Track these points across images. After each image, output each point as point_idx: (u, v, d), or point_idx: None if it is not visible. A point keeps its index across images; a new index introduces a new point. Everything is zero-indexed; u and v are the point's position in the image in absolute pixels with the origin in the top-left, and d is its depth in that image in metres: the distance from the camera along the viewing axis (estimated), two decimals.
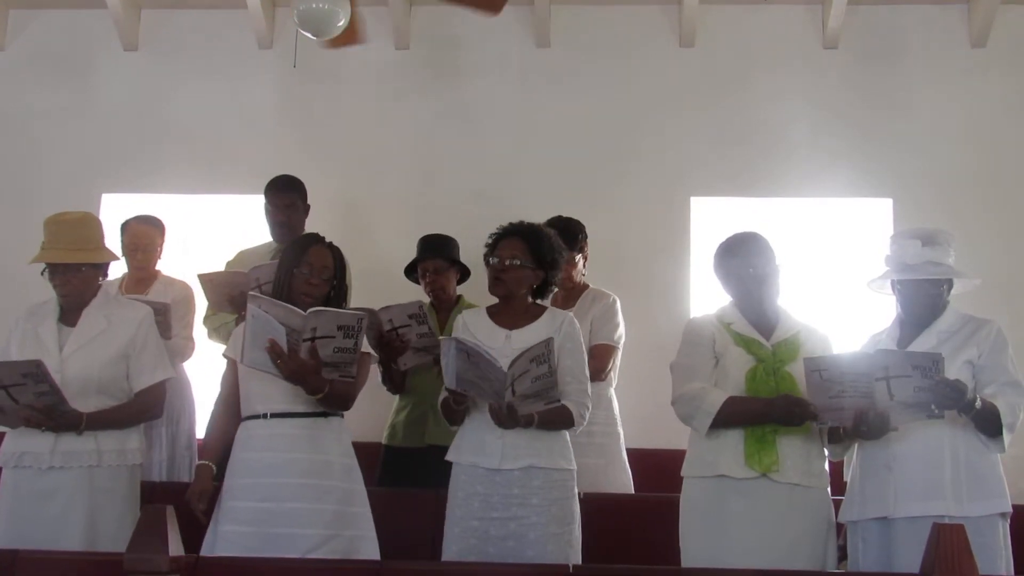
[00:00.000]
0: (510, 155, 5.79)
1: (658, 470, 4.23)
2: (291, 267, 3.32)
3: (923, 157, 5.62)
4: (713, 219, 5.53)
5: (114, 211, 5.33)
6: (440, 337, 3.40)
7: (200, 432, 4.31)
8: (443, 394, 3.29)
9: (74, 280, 3.43)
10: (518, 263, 3.38)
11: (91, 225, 3.52)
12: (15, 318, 3.54)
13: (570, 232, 4.25)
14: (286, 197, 4.38)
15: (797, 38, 5.83)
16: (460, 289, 4.49)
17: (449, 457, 3.37)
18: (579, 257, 4.47)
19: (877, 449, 3.17)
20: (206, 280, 4.07)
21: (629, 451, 4.46)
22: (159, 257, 4.70)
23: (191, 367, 4.64)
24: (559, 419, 3.28)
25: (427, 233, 4.51)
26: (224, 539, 3.13)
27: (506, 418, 3.11)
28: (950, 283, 3.33)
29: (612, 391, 4.42)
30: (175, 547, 2.56)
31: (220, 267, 4.41)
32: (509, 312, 3.43)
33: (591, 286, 4.53)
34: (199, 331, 4.54)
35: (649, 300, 5.35)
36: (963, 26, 5.75)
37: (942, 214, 4.97)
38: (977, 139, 5.64)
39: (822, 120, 5.69)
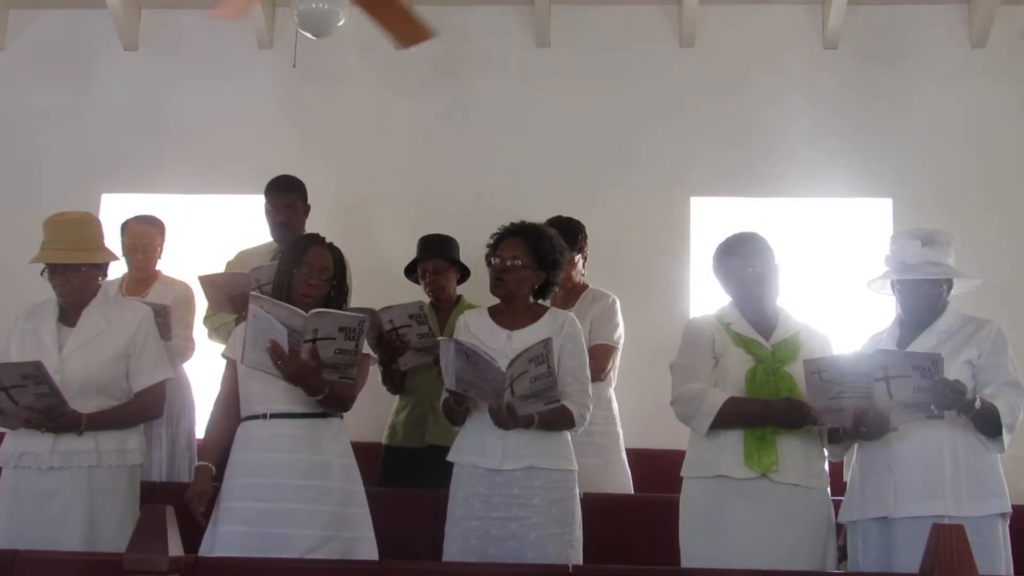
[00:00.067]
0: (510, 155, 5.79)
1: (658, 470, 4.23)
2: (291, 267, 3.32)
3: (923, 157, 5.62)
4: (713, 219, 5.53)
5: (114, 211, 5.33)
6: (439, 338, 3.39)
7: (200, 432, 4.31)
8: (444, 394, 3.29)
9: (74, 280, 3.43)
10: (519, 263, 3.38)
11: (91, 225, 3.52)
12: (15, 318, 3.54)
13: (570, 232, 4.24)
14: (286, 197, 4.38)
15: (797, 38, 5.83)
16: (460, 289, 4.49)
17: (450, 458, 3.37)
18: (579, 257, 4.47)
19: (877, 449, 3.17)
20: (206, 282, 4.07)
21: (629, 451, 4.46)
22: (159, 257, 4.70)
23: (191, 367, 4.64)
24: (559, 420, 3.28)
25: (427, 233, 4.51)
26: (223, 539, 3.13)
27: (505, 418, 3.11)
28: (950, 283, 3.33)
29: (612, 391, 4.42)
30: (175, 547, 2.56)
31: (220, 267, 4.41)
32: (510, 312, 3.43)
33: (591, 286, 4.53)
34: (199, 331, 4.54)
35: (649, 300, 5.35)
36: (963, 26, 5.74)
37: (942, 214, 4.97)
38: (977, 139, 5.64)
39: (822, 120, 5.69)
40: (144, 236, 4.62)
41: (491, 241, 3.47)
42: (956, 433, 3.14)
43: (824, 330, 3.37)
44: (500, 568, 3.11)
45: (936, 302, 3.30)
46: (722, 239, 3.40)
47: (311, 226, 4.27)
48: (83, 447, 3.35)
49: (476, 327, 3.41)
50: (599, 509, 3.65)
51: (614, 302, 4.44)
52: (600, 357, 4.24)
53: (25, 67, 6.08)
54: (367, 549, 3.23)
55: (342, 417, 3.34)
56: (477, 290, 4.14)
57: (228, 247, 4.72)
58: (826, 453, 3.28)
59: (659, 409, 3.64)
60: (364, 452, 3.54)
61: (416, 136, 5.87)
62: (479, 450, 3.28)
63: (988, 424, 3.10)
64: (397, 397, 4.35)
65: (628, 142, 5.76)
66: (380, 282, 4.86)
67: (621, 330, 4.42)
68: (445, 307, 4.37)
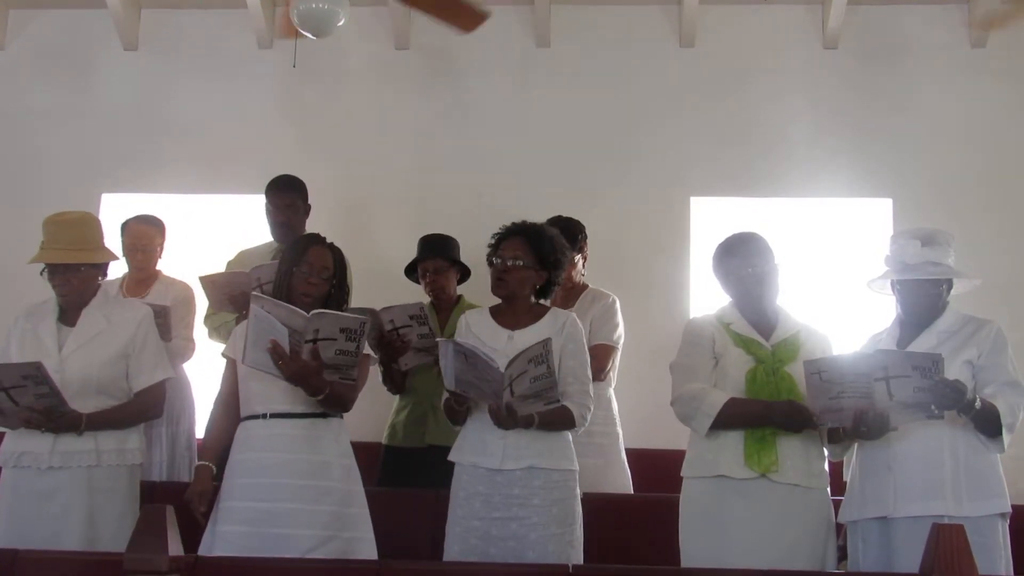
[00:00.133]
0: (510, 155, 5.79)
1: (657, 470, 4.23)
2: (291, 266, 3.32)
3: (923, 157, 5.62)
4: (713, 219, 5.53)
5: (114, 211, 5.33)
6: (437, 339, 3.39)
7: (200, 432, 4.31)
8: (445, 395, 3.29)
9: (73, 280, 3.43)
10: (521, 263, 3.38)
11: (90, 225, 3.52)
12: (15, 318, 3.54)
13: (570, 232, 4.24)
14: (287, 197, 4.37)
15: (797, 38, 5.83)
16: (460, 289, 4.49)
17: (451, 457, 3.37)
18: (578, 257, 4.47)
19: (877, 449, 3.17)
20: (207, 281, 4.07)
21: (629, 451, 4.46)
22: (159, 257, 4.70)
23: (191, 367, 4.64)
24: (560, 420, 3.28)
25: (427, 233, 4.51)
26: (222, 539, 3.13)
27: (505, 419, 3.11)
28: (950, 283, 3.33)
29: (611, 391, 4.42)
30: (175, 547, 2.56)
31: (221, 267, 4.41)
32: (512, 312, 3.43)
33: (590, 286, 4.53)
34: (199, 331, 4.54)
35: (649, 300, 5.35)
36: (963, 26, 5.74)
37: (942, 214, 4.97)
38: (977, 139, 5.64)
39: (822, 120, 5.69)
40: (144, 236, 4.62)
41: (492, 241, 3.47)
42: (956, 433, 3.14)
43: (824, 330, 3.37)
44: (500, 568, 3.11)
45: (936, 302, 3.30)
46: (722, 239, 3.40)
47: (311, 226, 4.27)
48: (83, 447, 3.35)
49: (477, 327, 3.42)
50: (599, 509, 3.65)
51: (614, 302, 4.44)
52: (600, 357, 4.23)
53: (25, 67, 6.09)
54: (367, 549, 3.23)
55: (342, 417, 3.34)
56: (478, 290, 4.14)
57: (228, 247, 4.72)
58: (826, 453, 3.28)
59: (659, 409, 3.64)
60: (364, 452, 3.54)
61: (416, 136, 5.88)
62: (480, 450, 3.28)
63: (988, 424, 3.09)
64: (397, 397, 4.35)
65: (628, 142, 5.76)
66: (380, 282, 4.86)
67: (621, 330, 4.42)
68: (445, 307, 4.37)
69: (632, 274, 5.39)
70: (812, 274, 5.29)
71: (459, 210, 5.41)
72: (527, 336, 3.30)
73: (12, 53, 6.13)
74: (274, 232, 4.40)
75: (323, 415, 3.26)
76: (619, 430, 4.43)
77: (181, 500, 3.08)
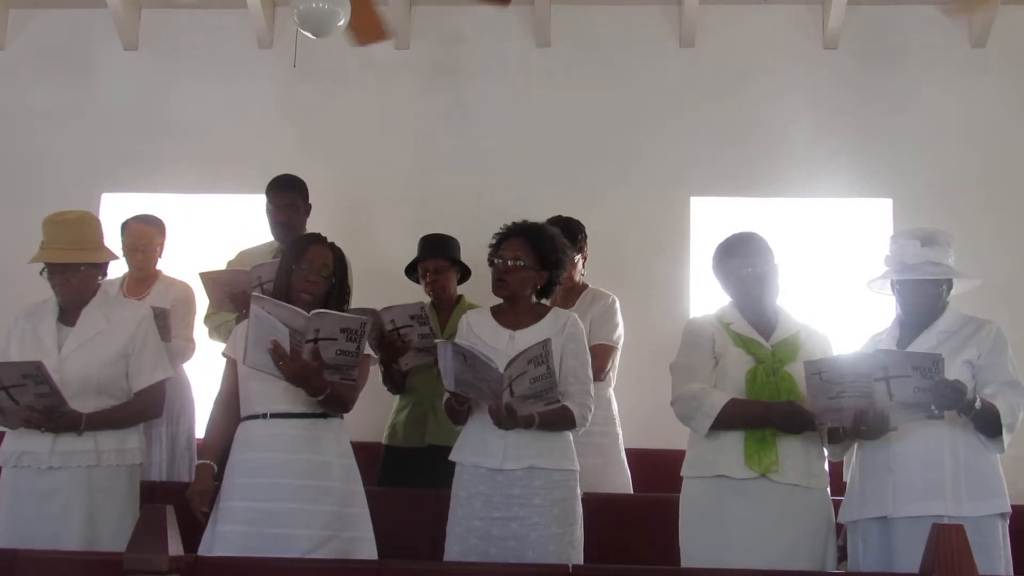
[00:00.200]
0: (510, 155, 5.79)
1: (657, 470, 4.23)
2: (291, 265, 3.32)
3: (923, 157, 5.62)
4: (713, 219, 5.53)
5: (114, 211, 5.33)
6: (436, 341, 3.39)
7: (200, 432, 4.31)
8: (446, 395, 3.29)
9: (73, 280, 3.43)
10: (521, 264, 3.38)
11: (90, 224, 3.51)
12: (14, 318, 3.54)
13: (570, 232, 4.24)
14: (287, 196, 4.38)
15: (797, 38, 5.83)
16: (461, 289, 4.49)
17: (452, 457, 3.37)
18: (578, 257, 4.47)
19: (877, 449, 3.17)
20: (208, 278, 4.07)
21: (628, 451, 4.46)
22: (159, 257, 4.70)
23: (191, 367, 4.64)
24: (560, 420, 3.28)
25: (427, 233, 4.51)
26: (222, 539, 3.13)
27: (505, 419, 3.11)
28: (949, 283, 3.33)
29: (611, 391, 4.42)
30: (175, 547, 2.56)
31: (221, 267, 4.40)
32: (513, 312, 3.43)
33: (590, 286, 4.53)
34: (199, 331, 4.54)
35: (649, 300, 5.35)
36: (963, 26, 5.74)
37: (942, 214, 4.97)
38: (977, 139, 5.64)
39: (822, 120, 5.69)
40: (144, 236, 4.62)
41: (493, 241, 3.47)
42: (956, 433, 3.14)
43: (824, 330, 3.37)
44: (500, 568, 3.11)
45: (936, 302, 3.30)
46: (722, 239, 3.40)
47: (312, 226, 4.27)
48: (82, 447, 3.35)
49: (479, 327, 3.42)
50: (599, 509, 3.65)
51: (614, 302, 4.44)
52: (599, 357, 4.23)
53: (25, 67, 6.08)
54: (367, 549, 3.23)
55: (342, 417, 3.34)
56: (478, 290, 4.14)
57: (228, 247, 4.72)
58: (826, 453, 3.28)
59: (659, 409, 3.64)
60: (364, 452, 3.54)
61: (416, 136, 5.87)
62: (480, 450, 3.28)
63: (988, 424, 3.10)
64: (397, 397, 4.35)
65: (628, 142, 5.76)
66: (380, 282, 4.86)
67: (621, 330, 4.42)
68: (446, 307, 4.37)
69: (632, 274, 5.39)
70: (812, 274, 5.29)
71: (459, 210, 5.41)
72: (528, 336, 3.30)
73: (12, 53, 6.13)
74: (274, 231, 4.40)
75: (323, 415, 3.26)
76: (619, 430, 4.42)
77: (181, 500, 3.08)
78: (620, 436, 4.43)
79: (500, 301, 3.47)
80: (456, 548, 3.26)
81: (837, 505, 3.29)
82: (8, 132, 5.99)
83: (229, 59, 5.99)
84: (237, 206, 5.66)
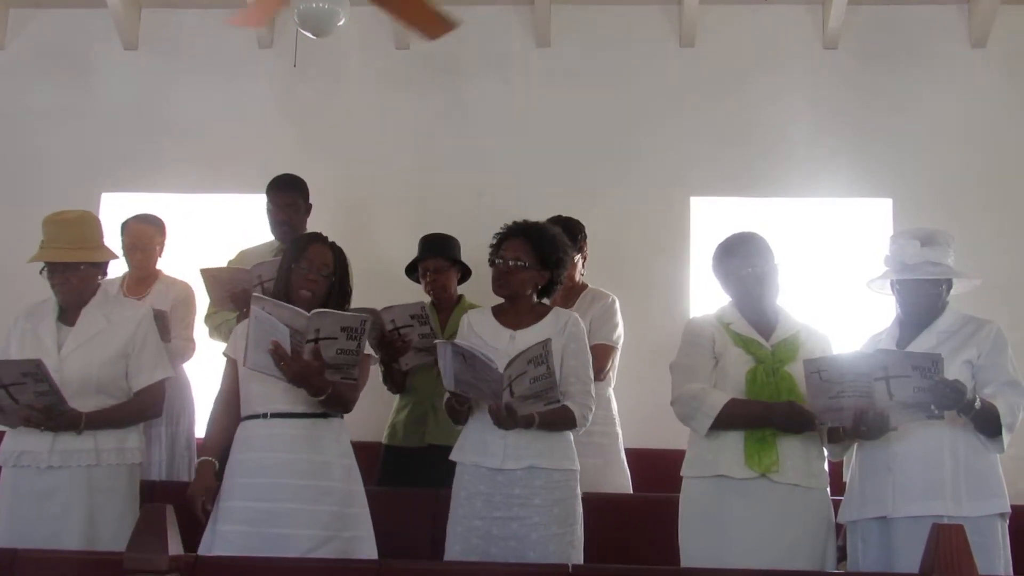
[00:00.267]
0: (510, 155, 5.79)
1: (657, 470, 4.22)
2: (291, 263, 3.32)
3: (923, 157, 5.62)
4: (713, 219, 5.53)
5: (114, 210, 5.33)
6: (436, 341, 3.39)
7: (199, 432, 4.31)
8: (447, 394, 3.29)
9: (73, 279, 3.43)
10: (522, 264, 3.38)
11: (90, 224, 3.51)
12: (14, 317, 3.54)
13: (569, 232, 4.22)
14: (288, 196, 4.38)
15: (797, 38, 5.83)
16: (461, 289, 4.49)
17: (453, 457, 3.37)
18: (578, 257, 4.46)
19: (877, 449, 3.17)
20: (208, 275, 4.07)
21: (628, 451, 4.46)
22: (159, 256, 4.70)
23: (191, 367, 4.63)
24: (561, 420, 3.28)
25: (427, 233, 4.51)
26: (222, 539, 3.13)
27: (505, 419, 3.11)
28: (949, 283, 3.33)
29: (611, 391, 4.42)
30: (175, 546, 2.56)
31: (222, 266, 4.40)
32: (514, 312, 3.43)
33: (590, 286, 4.53)
34: (200, 331, 4.53)
35: (649, 300, 5.35)
36: (963, 26, 5.74)
37: (942, 214, 4.97)
38: (977, 139, 5.64)
39: (822, 120, 5.69)
40: (143, 235, 4.62)
41: (493, 241, 3.47)
42: (956, 433, 3.14)
43: (824, 330, 3.37)
44: (501, 568, 3.11)
45: (935, 302, 3.30)
46: (722, 239, 3.40)
47: (312, 226, 4.26)
48: (82, 446, 3.35)
49: (479, 327, 3.42)
50: (599, 509, 3.65)
51: (613, 302, 4.44)
52: (599, 357, 4.23)
53: (25, 67, 6.08)
54: (367, 549, 3.23)
55: (342, 417, 3.33)
56: (478, 290, 4.14)
57: (228, 247, 4.72)
58: (826, 453, 3.28)
59: (659, 409, 3.64)
60: (364, 452, 3.54)
61: (416, 136, 5.87)
62: (481, 450, 3.28)
63: (988, 424, 3.10)
64: (397, 397, 4.35)
65: (628, 142, 5.76)
66: (380, 282, 4.85)
67: (620, 330, 4.42)
68: (446, 307, 4.37)
69: (632, 274, 5.39)
70: (812, 274, 5.29)
71: (459, 210, 5.41)
72: (529, 336, 3.30)
73: (12, 53, 6.13)
74: (275, 231, 4.40)
75: (323, 415, 3.26)
76: (619, 430, 4.42)
77: (181, 500, 3.07)
78: (620, 436, 4.43)
79: (501, 301, 3.47)
80: (457, 548, 3.26)
81: (837, 505, 3.29)
82: (8, 132, 5.99)
83: (229, 59, 5.99)
84: (237, 206, 5.66)
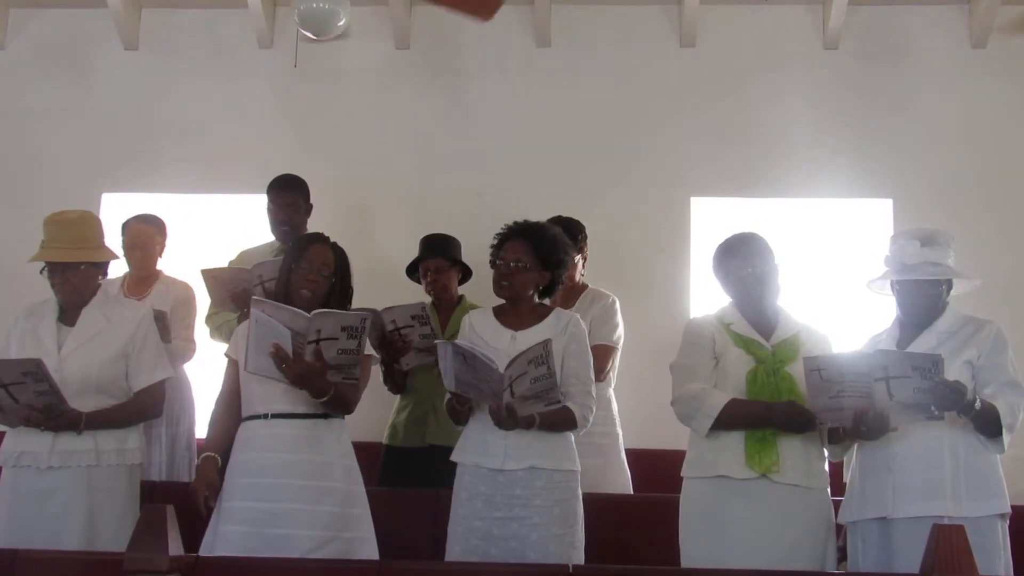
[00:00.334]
0: (510, 155, 5.79)
1: (657, 470, 4.23)
2: (291, 263, 3.32)
3: (923, 157, 5.62)
4: (713, 219, 5.53)
5: (114, 210, 5.33)
6: (436, 341, 3.39)
7: (200, 433, 4.31)
8: (448, 395, 3.29)
9: (73, 279, 3.43)
10: (523, 266, 3.38)
11: (90, 224, 3.52)
12: (15, 317, 3.54)
13: (570, 232, 4.21)
14: (288, 196, 4.37)
15: (797, 38, 5.83)
16: (462, 289, 4.49)
17: (454, 457, 3.37)
18: (578, 257, 4.46)
19: (877, 449, 3.17)
20: (209, 276, 4.07)
21: (628, 451, 4.46)
22: (159, 256, 4.70)
23: (191, 367, 4.63)
24: (562, 421, 3.28)
25: (427, 233, 4.51)
26: (223, 539, 3.13)
27: (505, 419, 3.11)
28: (949, 284, 3.33)
29: (611, 391, 4.42)
30: (175, 547, 2.56)
31: (222, 266, 4.40)
32: (515, 313, 3.43)
33: (590, 286, 4.53)
34: (200, 331, 4.53)
35: (649, 300, 5.34)
36: (963, 26, 5.74)
37: (942, 214, 4.97)
38: (977, 139, 5.64)
39: (822, 120, 5.69)
40: (143, 234, 4.62)
41: (494, 242, 3.47)
42: (956, 433, 3.14)
43: (824, 330, 3.37)
44: (501, 568, 3.11)
45: (935, 302, 3.30)
46: (722, 239, 3.40)
47: (312, 226, 4.27)
48: (82, 446, 3.35)
49: (480, 327, 3.42)
50: (599, 509, 3.64)
51: (614, 302, 4.44)
52: (600, 357, 4.22)
53: (25, 67, 6.08)
54: (368, 549, 3.23)
55: (343, 417, 3.33)
56: (479, 290, 4.14)
57: (229, 247, 4.72)
58: (826, 453, 3.28)
59: (659, 409, 3.64)
60: (364, 452, 3.54)
61: (416, 136, 5.87)
62: (482, 450, 3.28)
63: (988, 424, 3.10)
64: (398, 397, 4.35)
65: (628, 142, 5.76)
66: (381, 282, 4.84)
67: (621, 330, 4.42)
68: (447, 307, 4.37)
69: (632, 274, 5.39)
70: (812, 274, 5.29)
71: (459, 210, 5.41)
72: (530, 336, 3.30)
73: (12, 53, 6.13)
74: (275, 231, 4.40)
75: (324, 415, 3.26)
76: (619, 430, 4.42)
77: (181, 500, 3.06)
78: (620, 436, 4.43)
79: (502, 301, 3.47)
80: (457, 548, 3.26)
81: (837, 505, 3.29)
82: (8, 132, 5.99)
83: (229, 59, 5.99)
84: (237, 206, 5.66)
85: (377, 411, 4.36)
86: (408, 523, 3.75)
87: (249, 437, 3.24)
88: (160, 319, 3.94)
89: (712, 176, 5.69)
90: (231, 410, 3.32)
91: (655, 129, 5.76)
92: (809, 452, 3.19)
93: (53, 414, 3.28)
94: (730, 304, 3.37)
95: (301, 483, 3.15)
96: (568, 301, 4.36)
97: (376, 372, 3.87)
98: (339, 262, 3.37)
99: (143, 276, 4.62)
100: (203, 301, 4.39)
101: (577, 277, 4.49)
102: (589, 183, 5.66)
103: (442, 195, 5.72)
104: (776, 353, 3.23)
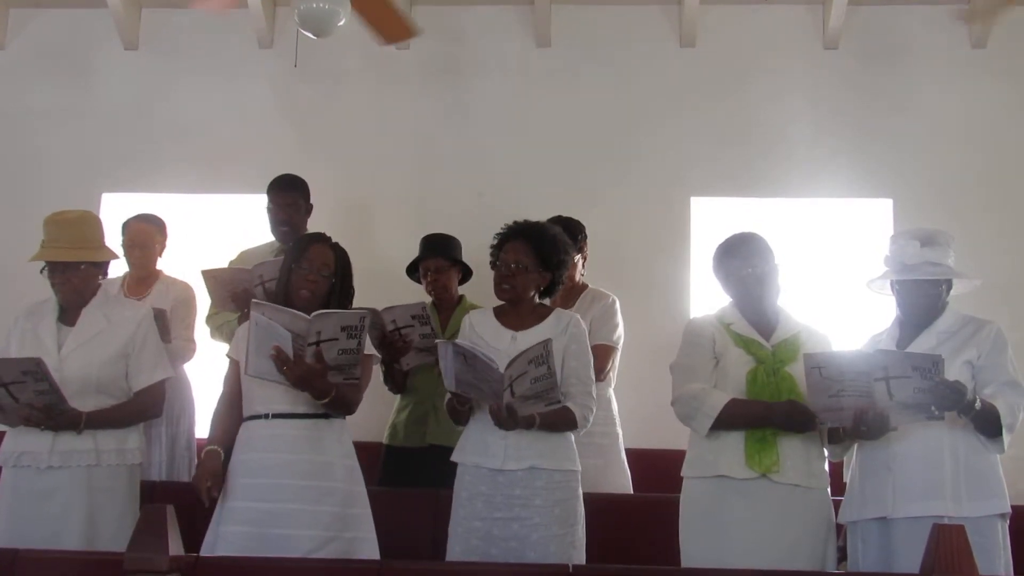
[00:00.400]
0: (510, 155, 5.79)
1: (657, 470, 4.23)
2: (292, 263, 3.32)
3: (923, 157, 5.62)
4: (713, 219, 5.53)
5: (114, 210, 5.32)
6: (437, 341, 3.39)
7: (200, 433, 4.31)
8: (448, 395, 3.29)
9: (74, 279, 3.43)
10: (523, 267, 3.38)
11: (91, 224, 3.52)
12: (15, 317, 3.54)
13: (570, 232, 4.21)
14: (288, 196, 4.37)
15: (797, 38, 5.83)
16: (462, 289, 4.49)
17: (454, 458, 3.37)
18: (578, 257, 4.46)
19: (877, 449, 3.17)
20: (209, 276, 4.07)
21: (628, 451, 4.46)
22: (159, 256, 4.70)
23: (191, 367, 4.63)
24: (562, 421, 3.28)
25: (427, 233, 4.51)
26: (224, 539, 3.13)
27: (505, 419, 3.11)
28: (949, 284, 3.33)
29: (611, 391, 4.42)
30: (175, 547, 2.56)
31: (222, 267, 4.40)
32: (515, 313, 3.43)
33: (590, 286, 4.53)
34: (200, 331, 4.53)
35: (649, 300, 5.35)
36: (963, 26, 5.74)
37: (942, 214, 4.97)
38: (977, 139, 5.64)
39: (822, 120, 5.70)
40: (142, 234, 4.62)
41: (494, 242, 3.47)
42: (956, 433, 3.14)
43: (824, 330, 3.37)
44: (501, 568, 3.11)
45: (935, 302, 3.30)
46: (722, 239, 3.40)
47: (312, 226, 4.27)
48: (82, 446, 3.35)
49: (481, 327, 3.42)
50: (599, 509, 3.64)
51: (614, 302, 4.44)
52: (600, 357, 4.21)
53: (25, 67, 6.08)
54: (369, 549, 3.23)
55: (344, 417, 3.33)
56: (479, 290, 4.14)
57: (229, 247, 4.72)
58: (826, 453, 3.28)
59: (659, 409, 3.64)
60: (365, 452, 3.53)
61: (416, 136, 5.87)
62: (482, 450, 3.28)
63: (988, 424, 3.10)
64: (398, 397, 4.35)
65: (628, 142, 5.76)
66: (381, 282, 4.83)
67: (621, 330, 4.42)
68: (447, 307, 4.37)
69: (632, 274, 5.39)
70: (812, 274, 5.30)
71: (459, 210, 5.41)
72: (531, 337, 3.30)
73: (12, 53, 6.13)
74: (275, 231, 4.40)
75: (325, 416, 3.25)
76: (619, 430, 4.42)
77: (181, 500, 3.04)
78: (620, 436, 4.43)
79: (502, 301, 3.46)
80: (457, 548, 3.26)
81: (837, 505, 3.29)
82: (8, 132, 5.99)
83: (229, 59, 5.99)
84: (237, 206, 5.66)
85: (377, 411, 4.36)
86: (408, 523, 3.75)
87: (250, 437, 3.24)
88: (160, 318, 3.94)
89: (712, 176, 5.69)
90: (233, 410, 3.31)
91: (655, 129, 5.76)
92: (809, 452, 3.19)
93: (53, 413, 3.28)
94: (730, 304, 3.37)
95: (302, 483, 3.15)
96: (568, 301, 4.36)
97: (376, 372, 3.88)
98: (340, 262, 3.37)
99: (143, 276, 4.62)
100: (203, 301, 4.39)
101: (577, 277, 4.49)
102: (589, 183, 5.66)
103: (442, 195, 5.72)
104: (776, 353, 3.23)
